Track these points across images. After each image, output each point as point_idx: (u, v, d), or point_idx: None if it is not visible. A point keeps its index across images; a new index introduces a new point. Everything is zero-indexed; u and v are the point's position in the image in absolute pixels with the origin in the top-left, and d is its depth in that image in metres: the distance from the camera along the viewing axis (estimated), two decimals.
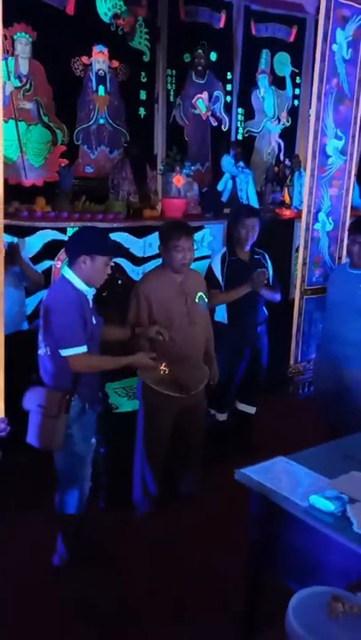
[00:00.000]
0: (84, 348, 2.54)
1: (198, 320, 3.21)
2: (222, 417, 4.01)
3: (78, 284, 2.59)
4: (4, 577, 2.73)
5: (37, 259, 3.91)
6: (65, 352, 2.53)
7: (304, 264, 4.14)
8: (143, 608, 2.64)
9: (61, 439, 2.56)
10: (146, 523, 3.23)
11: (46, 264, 3.93)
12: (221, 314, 3.79)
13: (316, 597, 1.53)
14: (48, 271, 3.91)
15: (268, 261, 3.89)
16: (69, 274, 2.60)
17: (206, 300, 3.28)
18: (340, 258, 4.42)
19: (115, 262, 4.26)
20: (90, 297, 2.64)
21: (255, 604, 2.30)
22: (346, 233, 4.26)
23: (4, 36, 3.73)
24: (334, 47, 3.94)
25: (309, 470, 2.28)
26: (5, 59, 3.84)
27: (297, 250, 5.36)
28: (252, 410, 4.08)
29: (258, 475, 2.23)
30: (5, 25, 3.57)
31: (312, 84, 4.03)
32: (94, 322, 2.64)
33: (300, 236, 4.17)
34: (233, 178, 5.16)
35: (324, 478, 2.21)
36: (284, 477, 2.27)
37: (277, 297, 3.89)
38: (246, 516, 2.28)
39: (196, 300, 3.19)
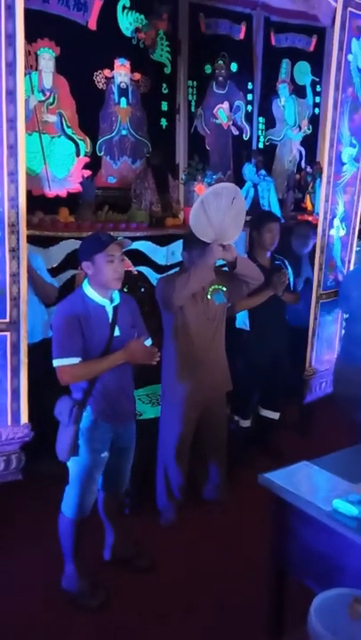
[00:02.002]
0: (71, 360, 2.51)
1: (216, 316, 3.20)
2: (246, 423, 4.01)
3: (92, 294, 2.59)
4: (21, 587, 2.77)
5: (60, 268, 3.97)
6: (54, 362, 2.54)
7: (320, 269, 4.15)
8: (170, 610, 2.65)
9: (68, 449, 2.55)
10: (171, 528, 3.24)
11: (69, 273, 4.00)
12: (243, 320, 3.80)
13: (338, 599, 1.53)
14: (71, 281, 3.97)
15: (289, 267, 3.90)
16: (85, 285, 2.62)
17: (225, 289, 3.25)
18: (349, 262, 4.44)
19: (138, 271, 4.32)
20: (109, 308, 2.61)
21: (279, 606, 2.30)
22: (356, 238, 4.31)
23: (28, 52, 3.82)
24: (350, 57, 3.98)
25: (333, 474, 2.27)
26: (29, 73, 3.93)
27: None
28: (275, 415, 4.07)
29: (281, 479, 2.23)
30: (29, 41, 3.67)
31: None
32: (107, 334, 2.58)
33: (318, 241, 4.19)
34: (255, 186, 5.19)
35: (347, 482, 2.20)
36: (308, 482, 2.27)
37: (300, 305, 3.89)
38: (270, 521, 2.28)
39: (209, 297, 3.19)
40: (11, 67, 2.76)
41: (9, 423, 3.14)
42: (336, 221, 4.23)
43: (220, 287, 3.23)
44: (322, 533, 2.04)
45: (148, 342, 2.77)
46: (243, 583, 2.79)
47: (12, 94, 2.79)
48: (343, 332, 4.12)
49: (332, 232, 4.23)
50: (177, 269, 3.40)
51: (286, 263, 3.91)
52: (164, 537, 3.17)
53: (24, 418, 3.16)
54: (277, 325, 3.88)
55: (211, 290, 3.20)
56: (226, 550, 3.06)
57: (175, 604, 2.71)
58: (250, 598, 2.59)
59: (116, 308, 2.63)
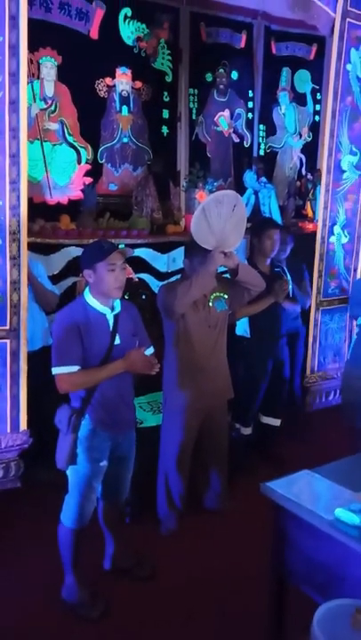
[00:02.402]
0: (70, 368, 2.50)
1: (217, 323, 3.21)
2: (247, 431, 4.01)
3: (93, 302, 2.58)
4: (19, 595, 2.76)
5: (61, 276, 3.98)
6: (53, 370, 2.54)
7: (320, 276, 4.16)
8: (170, 620, 2.64)
9: (67, 458, 2.53)
10: (172, 537, 3.23)
11: (70, 281, 4.01)
12: (243, 328, 3.80)
13: (340, 610, 1.53)
14: (72, 288, 3.98)
15: (288, 274, 3.91)
16: (86, 293, 2.62)
17: (226, 296, 3.26)
18: (355, 270, 4.44)
19: (139, 278, 4.33)
20: (109, 316, 2.60)
21: (280, 616, 2.29)
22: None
23: (30, 60, 3.84)
24: (348, 66, 4.02)
25: (334, 483, 2.27)
26: (31, 82, 3.95)
27: None
28: (276, 422, 4.08)
29: (283, 488, 2.23)
30: (31, 49, 3.69)
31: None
32: (107, 343, 2.57)
33: (316, 248, 4.20)
34: (256, 193, 5.20)
35: (349, 491, 2.20)
36: (309, 490, 2.27)
37: (298, 308, 3.90)
38: (272, 530, 2.27)
39: (210, 304, 3.20)
40: (14, 76, 2.79)
41: (8, 430, 3.15)
42: (337, 228, 4.26)
43: (222, 294, 3.23)
44: (323, 543, 2.03)
45: (150, 351, 2.77)
46: (244, 592, 2.78)
47: (14, 104, 2.82)
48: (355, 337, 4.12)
49: (333, 239, 4.25)
50: (178, 277, 3.40)
51: (286, 270, 3.91)
52: (165, 546, 3.16)
53: (23, 425, 3.17)
54: (277, 332, 3.88)
55: (212, 297, 3.20)
56: (227, 559, 3.05)
57: (175, 613, 2.70)
58: (251, 608, 2.58)
59: (117, 317, 2.63)
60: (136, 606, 2.75)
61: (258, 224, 4.10)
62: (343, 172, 4.19)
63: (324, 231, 4.17)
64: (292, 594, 2.26)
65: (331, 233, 4.23)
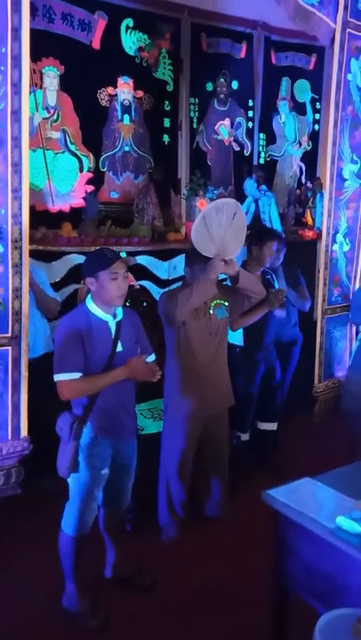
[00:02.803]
0: (71, 375, 2.51)
1: (218, 331, 3.22)
2: (245, 437, 4.01)
3: (95, 310, 2.59)
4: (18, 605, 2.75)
5: (63, 283, 4.00)
6: (55, 377, 2.54)
7: (325, 284, 4.18)
8: (171, 630, 2.63)
9: (68, 466, 2.53)
10: (173, 545, 3.22)
11: (72, 288, 4.02)
12: (237, 337, 3.82)
13: (342, 619, 1.53)
14: (74, 295, 3.99)
15: (277, 281, 3.95)
16: (88, 300, 2.63)
17: (226, 304, 3.26)
18: (355, 277, 4.47)
19: (140, 285, 4.34)
20: (111, 324, 2.61)
21: (281, 625, 2.28)
22: None
23: (33, 70, 3.87)
24: (349, 76, 4.07)
25: (336, 491, 2.27)
26: (34, 91, 3.98)
27: (319, 270, 5.39)
28: (273, 426, 4.10)
29: (284, 496, 2.23)
30: (34, 59, 3.72)
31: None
32: (109, 350, 2.58)
33: (320, 257, 4.22)
34: (256, 201, 5.22)
35: (350, 499, 2.19)
36: (311, 499, 2.27)
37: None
38: (273, 537, 2.27)
39: (211, 311, 3.21)
40: (16, 87, 2.81)
41: (9, 437, 3.14)
42: (339, 237, 4.28)
43: (222, 302, 3.24)
44: (325, 551, 2.03)
45: (152, 358, 2.77)
46: (245, 601, 2.77)
47: (16, 114, 2.84)
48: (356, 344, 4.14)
49: (336, 247, 4.27)
50: (179, 284, 3.41)
51: (275, 278, 3.95)
52: (166, 554, 3.16)
53: (24, 431, 3.17)
54: (269, 339, 3.92)
55: (213, 305, 3.21)
56: (227, 567, 3.05)
57: (176, 622, 2.69)
58: (252, 616, 2.58)
59: (119, 324, 2.64)
60: (136, 616, 2.74)
61: (259, 233, 4.12)
62: (345, 180, 4.21)
63: (328, 239, 4.19)
64: (294, 603, 2.26)
65: (334, 241, 4.25)
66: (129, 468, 2.81)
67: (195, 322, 3.16)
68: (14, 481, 3.24)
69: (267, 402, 4.02)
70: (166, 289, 4.26)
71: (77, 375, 2.52)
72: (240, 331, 3.79)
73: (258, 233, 4.12)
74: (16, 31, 2.79)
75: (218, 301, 3.22)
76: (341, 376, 4.32)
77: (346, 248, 4.34)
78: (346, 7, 4.00)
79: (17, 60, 2.81)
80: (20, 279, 3.11)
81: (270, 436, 4.12)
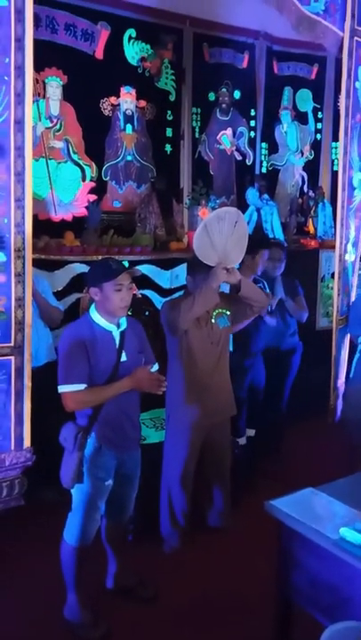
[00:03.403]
0: (76, 387, 2.49)
1: (220, 340, 3.21)
2: (243, 441, 4.01)
3: (99, 320, 2.58)
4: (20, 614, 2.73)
5: (65, 292, 3.99)
6: (59, 388, 2.52)
7: (338, 294, 4.17)
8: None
9: (72, 476, 2.51)
10: (175, 555, 3.20)
11: (74, 297, 4.02)
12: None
13: (346, 632, 1.51)
14: (76, 304, 3.99)
15: (268, 289, 3.96)
16: (92, 310, 2.62)
17: (228, 313, 3.25)
18: (357, 287, 4.47)
19: (142, 294, 4.34)
20: (116, 334, 2.60)
21: (285, 638, 2.25)
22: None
23: (36, 80, 3.90)
24: (357, 84, 4.06)
25: (339, 502, 2.25)
26: (37, 101, 4.01)
27: (322, 279, 5.39)
28: (252, 432, 4.09)
29: (287, 506, 2.21)
30: (37, 69, 3.75)
31: (334, 119, 4.13)
32: (114, 360, 2.57)
33: (336, 266, 4.21)
34: (258, 210, 5.24)
35: (354, 510, 2.18)
36: (314, 509, 2.25)
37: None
38: (276, 548, 2.25)
39: (213, 321, 3.21)
40: (19, 97, 2.81)
41: (12, 448, 3.12)
42: (349, 246, 4.27)
43: (224, 311, 3.24)
44: (328, 562, 2.01)
45: (155, 368, 2.76)
46: (248, 613, 2.74)
47: (20, 123, 2.84)
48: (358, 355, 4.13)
49: (347, 257, 4.27)
50: (181, 293, 3.41)
51: (265, 285, 3.95)
52: (168, 564, 3.13)
53: (27, 442, 3.14)
54: (257, 345, 3.93)
55: (215, 314, 3.21)
56: (230, 578, 3.02)
57: (178, 633, 2.66)
58: (255, 628, 2.55)
59: (123, 333, 2.63)
60: (138, 627, 2.71)
61: (251, 241, 4.12)
62: (354, 188, 4.21)
63: (341, 249, 4.18)
64: (298, 615, 2.23)
65: (345, 251, 4.25)
66: (133, 479, 2.79)
67: (197, 331, 3.15)
68: (17, 492, 3.20)
69: (248, 408, 4.03)
70: (168, 298, 4.26)
71: (82, 386, 2.51)
72: (230, 337, 3.80)
73: (251, 240, 4.13)
74: (19, 41, 2.79)
75: (220, 310, 3.22)
76: (341, 386, 4.30)
77: (352, 257, 4.34)
78: (353, 15, 4.00)
79: (20, 69, 2.81)
80: (23, 288, 3.09)
81: (252, 443, 4.12)
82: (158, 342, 3.42)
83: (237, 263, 3.18)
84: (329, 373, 4.31)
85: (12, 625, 2.69)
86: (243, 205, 5.20)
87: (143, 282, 4.38)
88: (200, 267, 3.11)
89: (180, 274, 4.44)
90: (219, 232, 3.04)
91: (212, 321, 3.19)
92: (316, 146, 6.02)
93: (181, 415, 3.18)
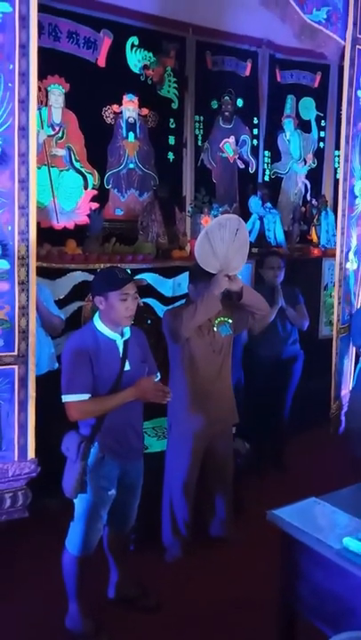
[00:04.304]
0: (80, 396, 2.48)
1: (222, 348, 3.20)
2: (247, 445, 3.98)
3: (102, 328, 2.57)
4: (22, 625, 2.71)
5: (67, 300, 3.99)
6: (63, 398, 2.51)
7: (339, 303, 4.16)
8: None
9: (75, 486, 2.49)
10: (177, 565, 3.17)
11: (76, 305, 4.01)
12: None
13: None
14: (78, 313, 3.98)
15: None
16: (96, 319, 2.61)
17: (230, 321, 3.24)
18: (358, 296, 4.46)
19: (144, 302, 4.33)
20: (119, 343, 2.59)
21: None
22: None
23: (38, 88, 3.91)
24: (359, 92, 4.07)
25: (342, 511, 2.23)
26: (39, 108, 4.02)
27: (325, 288, 5.38)
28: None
29: (290, 516, 2.19)
30: (39, 77, 3.75)
31: (337, 128, 4.14)
32: (118, 369, 2.56)
33: (336, 274, 4.20)
34: (260, 218, 5.24)
35: (357, 520, 2.16)
36: (317, 519, 2.23)
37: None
38: (279, 558, 2.23)
39: (215, 329, 3.19)
40: (24, 103, 2.82)
41: (15, 458, 3.08)
42: (350, 255, 4.27)
43: (226, 319, 3.23)
44: (332, 572, 1.99)
45: (157, 377, 2.75)
46: (251, 623, 2.71)
47: (24, 130, 2.84)
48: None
49: (349, 265, 4.26)
50: (183, 301, 3.40)
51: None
52: (170, 574, 3.10)
53: (31, 453, 3.10)
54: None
55: (217, 322, 3.20)
56: (232, 588, 2.99)
57: None
58: (259, 639, 2.52)
59: (126, 343, 2.62)
60: (139, 637, 2.69)
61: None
62: (356, 197, 4.22)
63: (341, 257, 4.18)
64: (302, 624, 2.21)
65: (347, 259, 4.24)
66: (135, 489, 2.77)
67: (199, 339, 3.14)
68: (21, 504, 3.15)
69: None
70: (170, 306, 4.25)
71: (86, 396, 2.50)
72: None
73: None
74: (24, 48, 2.80)
75: (222, 319, 3.21)
76: (345, 396, 4.28)
77: (354, 266, 4.33)
78: (355, 24, 4.02)
79: (25, 76, 2.82)
80: (27, 297, 3.08)
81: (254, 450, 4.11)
82: (160, 351, 3.42)
83: (239, 270, 3.18)
84: (331, 382, 4.30)
85: (15, 635, 2.67)
86: (245, 213, 5.21)
87: (145, 290, 4.37)
88: (202, 274, 3.10)
89: (183, 282, 4.43)
90: (220, 239, 3.04)
91: (214, 329, 3.18)
92: (319, 154, 6.03)
93: (183, 423, 3.17)
